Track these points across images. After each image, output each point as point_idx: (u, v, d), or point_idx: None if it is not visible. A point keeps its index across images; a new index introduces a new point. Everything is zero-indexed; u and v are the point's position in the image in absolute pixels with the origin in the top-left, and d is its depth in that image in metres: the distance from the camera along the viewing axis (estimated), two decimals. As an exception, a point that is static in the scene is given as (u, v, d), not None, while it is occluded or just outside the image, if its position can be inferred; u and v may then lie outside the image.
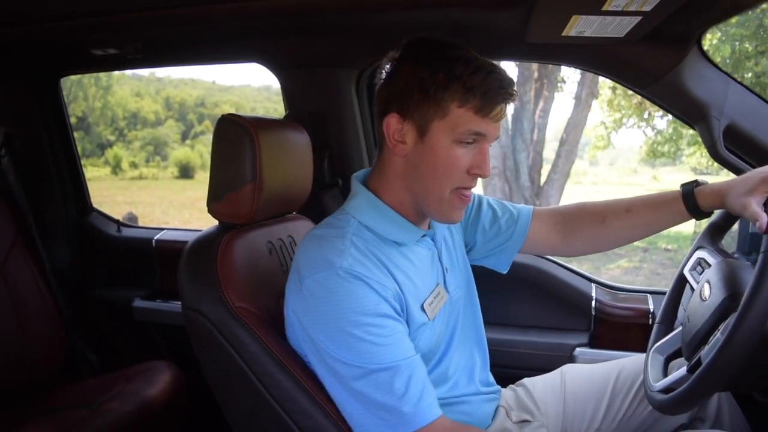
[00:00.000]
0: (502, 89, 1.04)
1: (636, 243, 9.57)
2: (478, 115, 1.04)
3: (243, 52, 1.88)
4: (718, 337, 1.02)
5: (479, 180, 1.14)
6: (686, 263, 1.35)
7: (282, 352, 1.14)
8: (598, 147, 14.37)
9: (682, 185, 1.29)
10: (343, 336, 1.02)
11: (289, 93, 1.92)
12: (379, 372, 1.03)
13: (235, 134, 1.24)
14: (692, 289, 1.27)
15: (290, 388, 1.12)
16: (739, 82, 1.44)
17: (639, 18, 1.15)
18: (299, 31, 1.69)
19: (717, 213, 1.33)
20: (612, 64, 1.50)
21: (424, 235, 1.20)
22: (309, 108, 1.89)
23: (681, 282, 1.36)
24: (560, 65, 2.66)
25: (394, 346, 1.04)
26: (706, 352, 1.02)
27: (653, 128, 14.11)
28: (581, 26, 1.22)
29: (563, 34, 1.27)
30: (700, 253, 1.32)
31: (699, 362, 1.03)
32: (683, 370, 1.09)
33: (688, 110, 1.48)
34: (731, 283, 1.10)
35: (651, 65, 1.42)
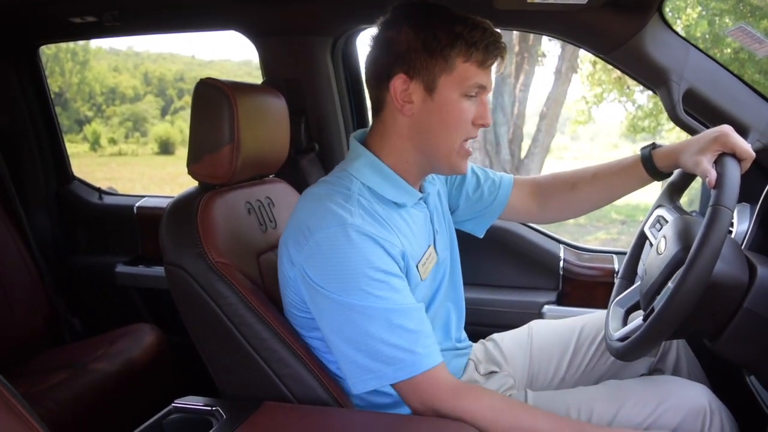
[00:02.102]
0: (498, 42, 1.11)
1: (614, 215, 9.69)
2: (481, 68, 1.11)
3: (220, 19, 1.90)
4: (669, 286, 1.07)
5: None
6: (647, 221, 1.41)
7: (260, 304, 1.19)
8: (580, 122, 14.37)
9: (641, 149, 1.35)
10: (354, 284, 1.05)
11: (265, 60, 1.95)
12: (391, 314, 1.06)
13: (213, 97, 1.27)
14: (651, 244, 1.32)
15: (268, 338, 1.17)
16: (700, 49, 1.50)
17: None
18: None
19: (675, 173, 1.39)
20: (576, 30, 1.54)
21: (420, 198, 1.24)
22: (285, 74, 1.92)
23: (641, 239, 1.41)
24: (528, 32, 2.69)
25: (401, 297, 1.08)
26: (658, 301, 1.07)
27: (634, 103, 14.18)
28: (545, -8, 1.27)
29: (529, 0, 1.31)
30: (660, 211, 1.38)
31: (653, 311, 1.08)
32: (639, 320, 1.15)
33: (649, 75, 1.53)
34: (684, 237, 1.15)
35: (613, 31, 1.47)
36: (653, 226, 1.37)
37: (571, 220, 9.48)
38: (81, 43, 18.92)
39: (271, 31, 1.89)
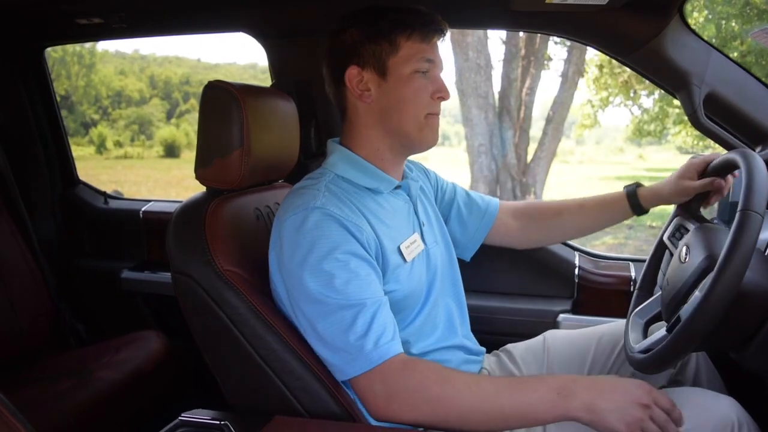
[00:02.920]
0: (435, 18, 1.21)
1: (621, 220, 9.65)
2: (424, 43, 1.19)
3: (228, 21, 1.86)
4: (696, 294, 1.03)
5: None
6: (665, 230, 1.37)
7: (270, 314, 1.16)
8: (585, 125, 14.38)
9: (625, 186, 1.45)
10: (313, 270, 1.08)
11: (275, 62, 1.91)
12: (344, 310, 1.07)
13: (222, 100, 1.24)
14: (671, 254, 1.30)
15: (279, 349, 1.14)
16: (720, 51, 1.46)
17: None
18: None
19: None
20: (595, 31, 1.50)
21: (398, 186, 1.28)
22: (295, 77, 1.89)
23: (660, 248, 1.38)
24: (544, 34, 2.66)
25: (360, 284, 1.09)
26: (686, 310, 1.04)
27: (639, 107, 14.15)
28: (564, -8, 1.23)
29: (547, 0, 1.27)
30: (679, 220, 1.35)
31: (678, 320, 1.05)
32: (663, 331, 1.11)
33: (669, 78, 1.50)
34: (709, 245, 1.12)
35: (633, 33, 1.43)
36: (673, 235, 1.35)
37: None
38: (87, 46, 19.01)
39: (280, 33, 1.86)
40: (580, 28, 1.52)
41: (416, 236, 1.27)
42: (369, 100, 1.22)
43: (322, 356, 1.12)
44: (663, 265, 1.37)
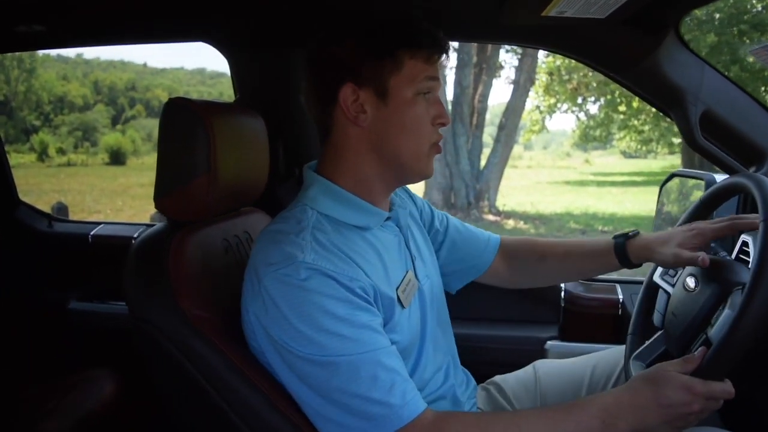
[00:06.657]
0: (439, 35, 1.09)
1: (573, 225, 9.78)
2: (428, 63, 1.08)
3: (188, 29, 1.72)
4: (727, 312, 0.98)
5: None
6: (654, 271, 1.33)
7: (247, 365, 1.03)
8: (533, 131, 14.76)
9: (615, 237, 1.33)
10: (313, 334, 0.93)
11: (239, 75, 1.79)
12: (360, 365, 0.94)
13: (185, 121, 1.11)
14: (666, 292, 1.25)
15: (257, 404, 1.01)
16: (715, 68, 1.41)
17: None
18: (249, 6, 1.55)
19: (684, 215, 1.33)
20: (590, 48, 1.44)
21: (387, 218, 1.15)
22: (261, 91, 1.77)
23: (651, 290, 1.32)
24: (537, 48, 2.61)
25: (370, 337, 0.96)
26: (716, 332, 0.98)
27: (586, 113, 14.56)
28: (563, 6, 1.15)
29: (543, 14, 1.19)
30: None
31: (708, 343, 0.99)
32: None
33: (664, 96, 1.44)
34: (719, 270, 1.09)
35: (629, 50, 1.37)
36: (665, 273, 1.29)
37: (533, 231, 9.51)
38: (27, 50, 18.49)
39: (245, 43, 1.73)
40: (575, 44, 1.45)
41: (410, 274, 1.15)
42: (364, 124, 1.07)
43: (328, 424, 0.97)
44: (659, 305, 1.29)
